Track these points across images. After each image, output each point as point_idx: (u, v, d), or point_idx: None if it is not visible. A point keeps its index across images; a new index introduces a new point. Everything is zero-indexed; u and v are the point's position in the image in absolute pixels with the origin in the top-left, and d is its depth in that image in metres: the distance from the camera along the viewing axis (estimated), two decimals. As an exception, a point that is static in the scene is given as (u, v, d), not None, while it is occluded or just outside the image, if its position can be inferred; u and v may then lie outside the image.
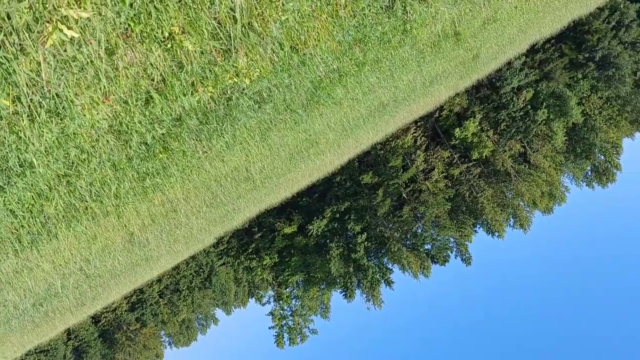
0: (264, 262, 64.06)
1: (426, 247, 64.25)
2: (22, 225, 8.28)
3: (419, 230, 65.20)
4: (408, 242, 64.21)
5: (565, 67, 62.17)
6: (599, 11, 56.29)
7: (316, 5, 8.55)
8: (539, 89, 61.14)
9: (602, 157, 66.89)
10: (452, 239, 65.63)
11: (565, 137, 63.30)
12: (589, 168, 67.52)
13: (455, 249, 65.10)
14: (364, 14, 9.96)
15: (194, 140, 10.29)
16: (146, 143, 9.01)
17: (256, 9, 7.33)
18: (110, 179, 9.14)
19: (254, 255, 64.74)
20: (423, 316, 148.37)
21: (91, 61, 5.74)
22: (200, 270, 69.41)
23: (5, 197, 7.36)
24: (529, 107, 60.85)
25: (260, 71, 9.15)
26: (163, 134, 9.12)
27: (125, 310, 68.91)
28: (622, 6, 57.73)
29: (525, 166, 63.58)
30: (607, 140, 65.06)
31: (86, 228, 10.03)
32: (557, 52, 60.88)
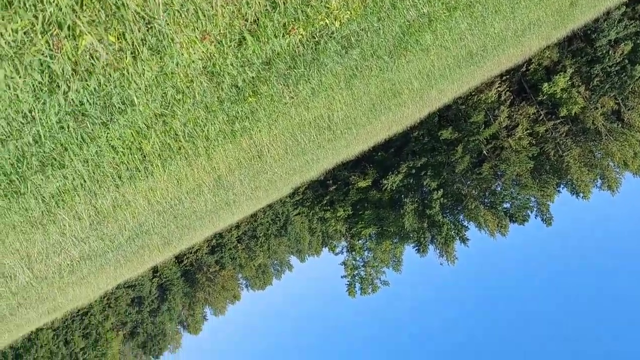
0: (338, 214, 64.83)
1: (505, 205, 62.59)
2: (122, 162, 8.72)
3: (498, 189, 63.45)
4: (486, 200, 62.76)
5: (670, 19, 56.97)
6: None
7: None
8: (638, 41, 56.56)
9: None
10: (532, 199, 63.53)
11: (665, 94, 58.71)
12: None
13: (535, 209, 63.04)
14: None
15: (281, 85, 10.35)
16: (237, 86, 9.15)
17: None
18: (202, 121, 9.41)
19: (328, 207, 65.61)
20: (496, 274, 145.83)
21: (192, -2, 5.82)
22: (277, 218, 71.41)
23: (108, 134, 7.74)
24: (627, 61, 56.58)
25: (351, 13, 8.98)
26: (253, 77, 9.22)
27: (206, 253, 72.51)
28: None
29: (618, 125, 59.74)
30: None
31: (179, 167, 10.45)
32: (663, 2, 55.80)
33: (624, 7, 52.94)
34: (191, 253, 71.22)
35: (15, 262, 11.72)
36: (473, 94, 55.24)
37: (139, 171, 9.31)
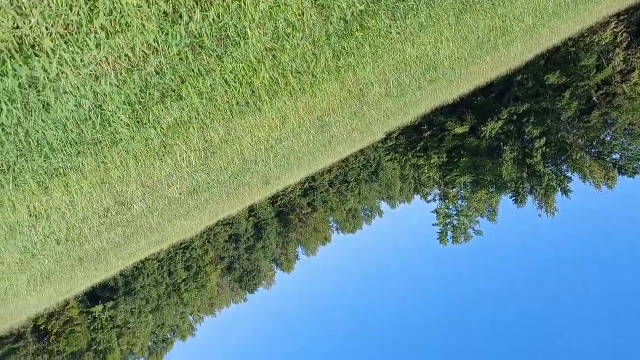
0: (432, 161, 63.61)
1: (614, 156, 58.57)
2: (234, 96, 8.98)
3: (608, 138, 59.30)
4: (593, 151, 59.00)
5: None
6: None
7: None
8: None
9: None
10: (646, 150, 59.00)
11: None
12: None
13: (649, 161, 58.59)
14: None
15: (389, 19, 10.08)
16: (345, 20, 9.03)
17: None
18: (309, 57, 9.41)
19: (422, 154, 64.48)
20: (599, 229, 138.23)
21: None
22: (368, 164, 71.51)
23: (222, 67, 7.95)
24: None
25: (468, -60, 8.48)
26: (362, 10, 9.04)
27: (299, 195, 74.47)
28: None
29: None
30: None
31: (285, 104, 10.61)
32: None
33: None
34: (285, 195, 73.44)
35: (134, 192, 12.58)
36: (586, 35, 51.13)
37: (249, 106, 9.56)
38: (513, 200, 60.95)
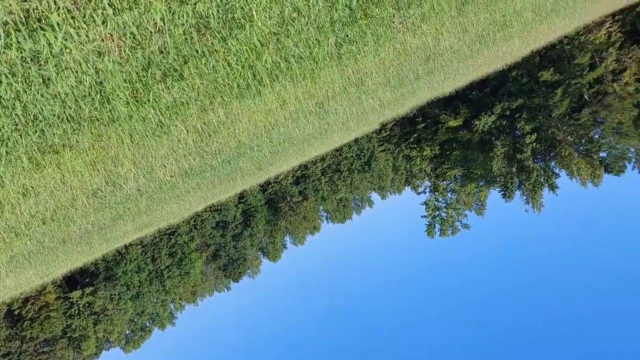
0: (424, 153, 63.86)
1: (601, 154, 59.23)
2: (235, 78, 8.93)
3: (596, 136, 59.92)
4: (581, 148, 59.55)
5: None
6: None
7: None
8: None
9: None
10: (632, 149, 59.76)
11: None
12: None
13: (634, 160, 59.35)
14: None
15: (393, 8, 10.06)
16: (350, 7, 9.00)
17: None
18: (312, 42, 9.38)
19: (415, 145, 64.68)
20: (582, 226, 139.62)
21: None
22: (362, 154, 71.55)
23: (225, 49, 7.90)
24: None
25: None
26: (367, -3, 9.02)
27: (290, 183, 74.37)
28: None
29: None
30: None
31: (285, 89, 10.57)
32: None
33: None
34: (276, 182, 73.28)
35: (127, 173, 12.49)
36: (581, 33, 51.37)
37: (250, 90, 9.52)
38: (501, 194, 61.44)
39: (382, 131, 65.21)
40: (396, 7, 10.06)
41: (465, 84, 32.49)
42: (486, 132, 58.44)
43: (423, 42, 13.67)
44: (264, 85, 9.62)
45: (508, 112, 57.03)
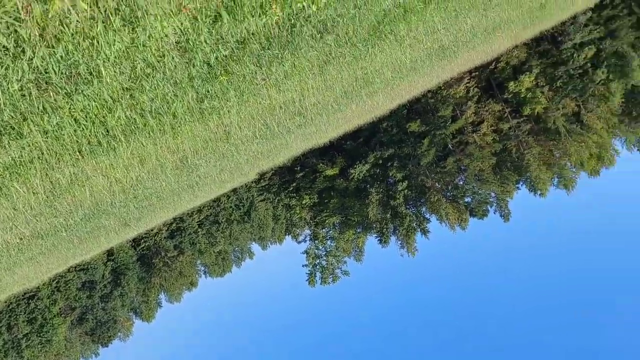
0: (304, 202, 64.78)
1: (466, 199, 63.73)
2: (84, 135, 8.43)
3: (461, 183, 64.57)
4: (448, 194, 63.75)
5: (632, 26, 58.52)
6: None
7: None
8: (601, 47, 58.01)
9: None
10: (493, 194, 64.91)
11: (623, 99, 60.46)
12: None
13: (495, 204, 64.44)
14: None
15: (254, 65, 10.16)
16: (209, 63, 8.94)
17: None
18: (170, 97, 9.16)
19: (294, 194, 65.47)
20: (454, 266, 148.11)
21: (167, -33, 5.60)
22: (241, 204, 70.72)
23: (71, 105, 7.45)
24: (589, 65, 58.03)
25: (329, -3, 8.86)
26: (226, 55, 9.01)
27: (165, 237, 71.14)
28: None
29: (577, 126, 61.30)
30: (667, 106, 61.92)
31: (143, 145, 10.18)
32: (626, 9, 57.24)
33: (590, 12, 54.13)
34: (149, 236, 69.73)
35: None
36: (442, 88, 55.79)
37: (101, 146, 9.02)
38: (378, 240, 63.64)
39: (261, 180, 65.42)
40: (258, 65, 10.17)
41: (338, 135, 33.64)
42: (361, 180, 60.73)
43: (289, 97, 13.95)
44: (118, 141, 9.18)
45: (381, 161, 59.87)
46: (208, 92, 9.83)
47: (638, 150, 66.04)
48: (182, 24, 7.01)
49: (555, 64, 59.31)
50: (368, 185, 61.06)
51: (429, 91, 51.96)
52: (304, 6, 8.54)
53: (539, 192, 62.86)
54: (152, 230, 65.09)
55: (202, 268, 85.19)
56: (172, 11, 6.43)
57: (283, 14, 8.67)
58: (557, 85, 59.53)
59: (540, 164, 61.17)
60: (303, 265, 66.91)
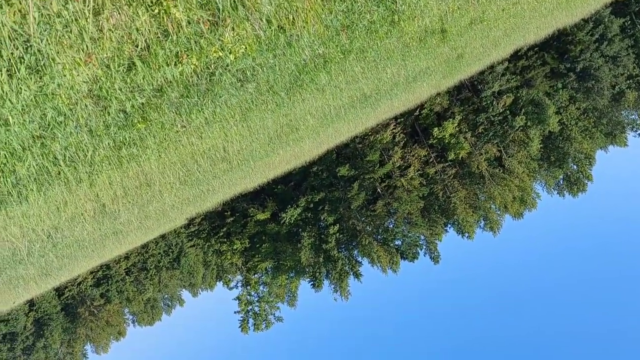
0: (235, 247, 63.79)
1: (396, 242, 64.79)
2: (-8, 184, 8.14)
3: (391, 226, 65.67)
4: (379, 237, 64.65)
5: (547, 75, 63.08)
6: (584, 23, 57.10)
7: (307, -14, 8.54)
8: (519, 95, 61.93)
9: (575, 167, 68.19)
10: (422, 237, 66.30)
11: (541, 145, 64.27)
12: (561, 177, 68.78)
13: (425, 247, 65.81)
14: (354, 0, 9.98)
15: (173, 113, 10.21)
16: (125, 111, 8.92)
17: (247, -17, 7.30)
18: (85, 145, 9.03)
19: (225, 239, 64.42)
20: (388, 309, 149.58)
21: (76, 19, 5.66)
22: (170, 250, 68.82)
23: (-24, 153, 7.22)
24: (508, 112, 61.64)
25: (246, 48, 9.11)
26: (143, 103, 9.03)
27: (90, 285, 67.92)
28: (606, 20, 58.63)
29: (499, 170, 64.40)
30: (581, 151, 66.30)
31: (58, 193, 9.90)
32: (540, 60, 61.64)
33: (507, 62, 57.88)
34: (74, 285, 66.39)
35: None
36: (369, 133, 57.36)
37: (12, 196, 8.72)
38: (311, 284, 63.30)
39: (190, 226, 64.11)
40: (177, 112, 10.23)
41: (267, 180, 33.75)
42: (293, 224, 60.69)
43: (212, 144, 14.01)
44: (30, 190, 8.90)
45: (312, 205, 60.23)
46: (125, 139, 9.76)
47: (558, 194, 69.93)
48: (93, 72, 7.03)
49: (477, 111, 62.56)
50: (300, 229, 61.08)
51: (356, 137, 53.31)
52: (220, 55, 8.74)
53: (466, 234, 64.96)
54: (76, 278, 62.01)
55: (131, 317, 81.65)
56: (80, 60, 6.44)
57: (200, 63, 8.83)
58: (479, 131, 62.63)
59: (466, 207, 63.48)
60: (235, 312, 65.40)
